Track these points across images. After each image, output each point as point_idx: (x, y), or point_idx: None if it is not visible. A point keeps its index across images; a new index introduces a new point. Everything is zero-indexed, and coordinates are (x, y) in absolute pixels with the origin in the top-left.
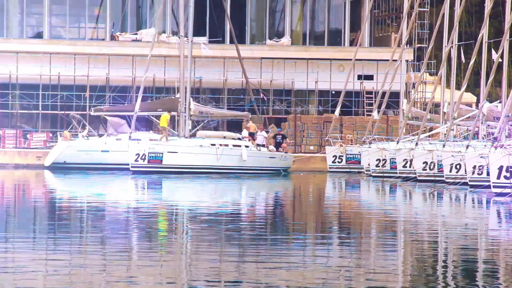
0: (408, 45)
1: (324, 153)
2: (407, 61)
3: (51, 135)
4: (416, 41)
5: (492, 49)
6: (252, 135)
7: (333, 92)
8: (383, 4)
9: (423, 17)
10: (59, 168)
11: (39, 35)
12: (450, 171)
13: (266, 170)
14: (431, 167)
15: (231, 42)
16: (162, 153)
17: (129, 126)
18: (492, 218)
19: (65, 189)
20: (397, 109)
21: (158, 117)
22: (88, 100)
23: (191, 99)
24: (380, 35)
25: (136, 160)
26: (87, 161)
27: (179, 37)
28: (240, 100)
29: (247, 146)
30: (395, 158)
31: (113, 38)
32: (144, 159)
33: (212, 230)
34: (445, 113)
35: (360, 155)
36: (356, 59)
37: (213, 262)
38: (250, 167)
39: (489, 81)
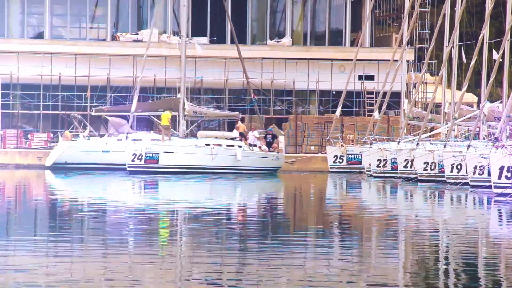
0: (409, 45)
1: (325, 153)
2: (408, 61)
3: (52, 135)
4: (417, 41)
5: (493, 49)
6: (241, 135)
7: (334, 92)
8: (384, 4)
9: (424, 17)
10: (60, 169)
11: (40, 35)
12: (451, 172)
13: (259, 170)
14: (432, 168)
15: (232, 42)
16: (159, 153)
17: (131, 126)
18: (493, 218)
19: (65, 189)
20: (398, 109)
21: (158, 117)
22: (89, 100)
23: (185, 99)
24: (381, 35)
25: (133, 160)
26: (88, 162)
27: (179, 37)
28: (241, 100)
29: (240, 146)
30: (396, 159)
31: (114, 38)
32: (140, 159)
33: (223, 231)
34: (446, 113)
35: (361, 155)
36: (357, 59)
37: (213, 263)
38: (244, 167)
39: (490, 81)
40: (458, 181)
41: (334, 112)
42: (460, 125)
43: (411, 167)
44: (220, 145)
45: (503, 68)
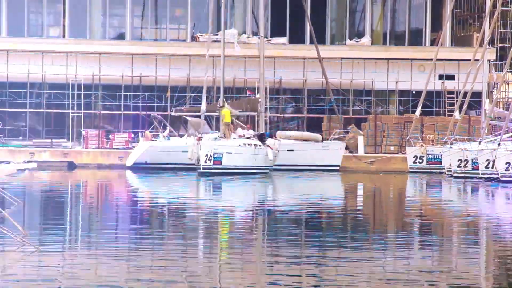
0: (490, 44)
1: (405, 153)
2: (489, 60)
3: (133, 135)
4: (498, 41)
5: None
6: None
7: (414, 92)
8: (464, 3)
9: (505, 16)
10: (141, 168)
11: (121, 36)
12: None
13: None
14: None
15: (311, 42)
16: (222, 154)
17: (210, 126)
18: None
19: (147, 189)
20: (479, 109)
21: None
22: (169, 101)
23: (224, 99)
24: (462, 34)
25: (205, 162)
26: (168, 161)
27: (259, 38)
28: (319, 100)
29: (260, 145)
30: (477, 159)
31: (193, 38)
32: (210, 160)
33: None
34: None
35: (441, 155)
36: (437, 59)
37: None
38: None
39: None
40: None
41: (414, 112)
42: None
43: (492, 167)
44: (256, 145)
45: None
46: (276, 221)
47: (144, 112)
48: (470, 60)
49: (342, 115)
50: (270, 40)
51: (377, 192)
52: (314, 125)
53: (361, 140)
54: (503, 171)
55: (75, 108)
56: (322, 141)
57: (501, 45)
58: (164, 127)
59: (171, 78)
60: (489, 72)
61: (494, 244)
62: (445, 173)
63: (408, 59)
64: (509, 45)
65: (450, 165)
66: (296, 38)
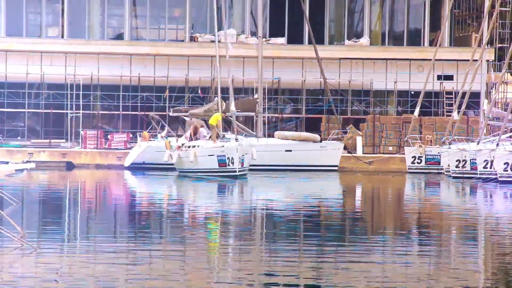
0: (489, 45)
1: (403, 153)
2: (487, 61)
3: (131, 135)
4: (497, 41)
5: None
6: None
7: (412, 93)
8: (463, 3)
9: (504, 16)
10: (138, 169)
11: (119, 37)
12: None
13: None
14: None
15: (310, 42)
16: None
17: (207, 127)
18: None
19: (144, 190)
20: (477, 109)
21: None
22: (167, 101)
23: (221, 98)
24: (460, 35)
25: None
26: (166, 162)
27: (257, 38)
28: (318, 100)
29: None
30: (475, 159)
31: (192, 39)
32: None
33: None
34: None
35: (439, 155)
36: (436, 59)
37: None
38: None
39: None
40: None
41: (412, 112)
42: None
43: (491, 167)
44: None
45: None
46: (274, 222)
47: (143, 113)
48: (468, 60)
49: (340, 115)
50: (268, 40)
51: (375, 192)
52: (312, 126)
53: (359, 141)
54: (502, 172)
55: (74, 108)
56: (321, 141)
57: (499, 45)
58: (162, 128)
59: (170, 79)
60: (487, 72)
61: (492, 245)
62: (444, 173)
63: (406, 59)
64: (508, 45)
65: (449, 165)
66: (295, 38)
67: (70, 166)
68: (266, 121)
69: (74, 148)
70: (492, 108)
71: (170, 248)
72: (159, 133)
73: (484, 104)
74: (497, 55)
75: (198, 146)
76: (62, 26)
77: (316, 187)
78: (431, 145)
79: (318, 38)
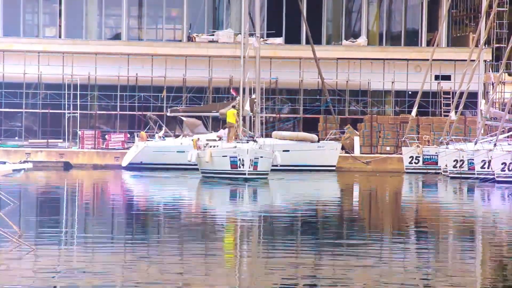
0: (486, 45)
1: (401, 154)
2: (485, 61)
3: (129, 135)
4: (494, 41)
5: None
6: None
7: (410, 93)
8: (461, 4)
9: (501, 16)
10: (136, 169)
11: (117, 37)
12: None
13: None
14: (510, 168)
15: (307, 42)
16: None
17: (205, 127)
18: None
19: (142, 189)
20: (475, 109)
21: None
22: (165, 101)
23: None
24: (458, 35)
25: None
26: (163, 162)
27: (255, 38)
28: (315, 100)
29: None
30: (473, 159)
31: (190, 39)
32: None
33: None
34: None
35: (437, 156)
36: (433, 59)
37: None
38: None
39: None
40: None
41: (410, 112)
42: None
43: (488, 168)
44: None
45: None
46: (273, 223)
47: (140, 113)
48: (466, 60)
49: (338, 115)
50: (266, 40)
51: (373, 192)
52: (310, 126)
53: (357, 141)
54: (499, 172)
55: (71, 108)
56: (318, 141)
57: (497, 45)
58: (160, 128)
59: (167, 79)
60: (485, 72)
61: (489, 245)
62: (441, 173)
63: (404, 59)
64: (505, 45)
65: (446, 165)
66: (292, 38)
67: (67, 166)
68: (264, 121)
69: (71, 148)
70: (489, 108)
71: (165, 248)
72: (156, 133)
73: (482, 104)
74: (494, 55)
75: (215, 146)
76: (60, 26)
77: (314, 187)
78: (428, 145)
79: (315, 38)
